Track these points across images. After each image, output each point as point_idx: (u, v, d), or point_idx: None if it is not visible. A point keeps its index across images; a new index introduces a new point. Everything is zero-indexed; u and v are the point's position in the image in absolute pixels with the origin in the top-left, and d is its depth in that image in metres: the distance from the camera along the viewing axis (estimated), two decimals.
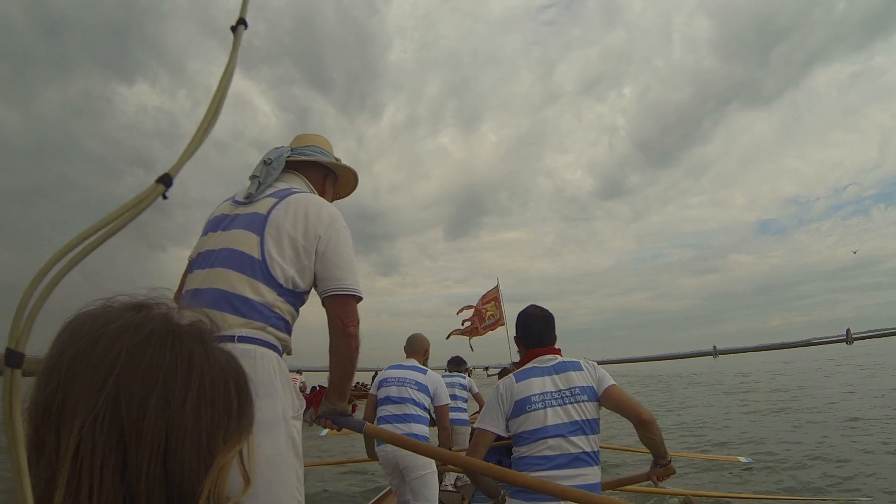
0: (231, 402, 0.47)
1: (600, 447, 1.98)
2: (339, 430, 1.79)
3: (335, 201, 1.86)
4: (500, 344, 10.39)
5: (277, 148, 1.68)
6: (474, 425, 2.51)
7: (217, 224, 1.55)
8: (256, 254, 1.44)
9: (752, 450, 6.51)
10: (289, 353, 1.52)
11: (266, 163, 1.61)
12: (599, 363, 2.09)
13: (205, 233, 1.58)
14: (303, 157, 1.70)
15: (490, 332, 10.45)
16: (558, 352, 2.11)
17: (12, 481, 0.41)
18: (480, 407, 3.37)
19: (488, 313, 10.40)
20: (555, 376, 2.00)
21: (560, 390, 1.96)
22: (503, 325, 10.32)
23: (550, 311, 2.19)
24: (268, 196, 1.55)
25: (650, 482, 2.10)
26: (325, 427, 1.80)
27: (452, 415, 3.90)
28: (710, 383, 20.33)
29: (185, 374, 0.44)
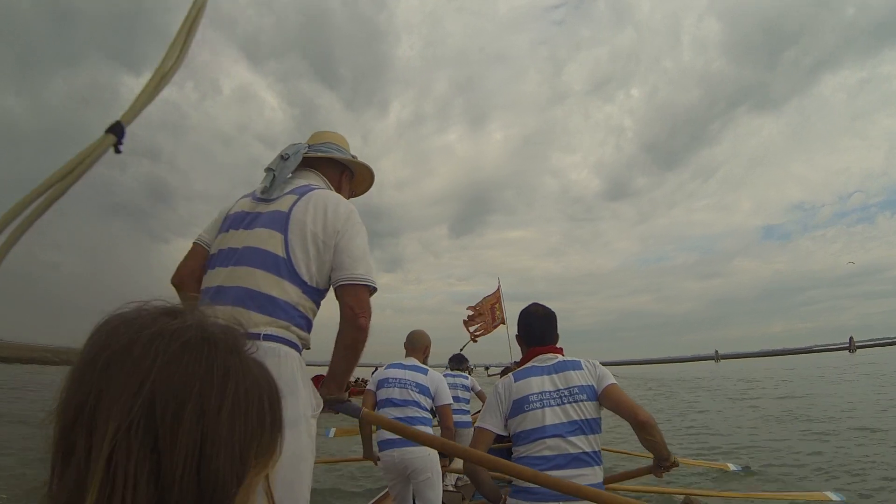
0: (264, 415, 0.47)
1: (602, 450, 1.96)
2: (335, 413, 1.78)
3: (351, 198, 1.87)
4: (501, 343, 10.45)
5: (295, 144, 1.69)
6: (475, 424, 2.49)
7: (239, 221, 1.57)
8: (281, 252, 1.47)
9: (759, 458, 6.43)
10: (307, 349, 1.54)
11: (283, 157, 1.63)
12: (601, 364, 2.05)
13: (225, 229, 1.58)
14: (320, 154, 1.72)
15: (493, 330, 10.46)
16: (560, 351, 2.09)
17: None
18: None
19: (496, 312, 10.41)
20: (554, 376, 1.98)
21: (559, 390, 1.94)
22: (504, 323, 10.33)
23: (553, 310, 2.17)
24: (288, 193, 1.58)
25: (652, 479, 2.08)
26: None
27: (455, 417, 3.81)
28: (714, 388, 20.19)
29: (221, 384, 0.44)
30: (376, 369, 4.08)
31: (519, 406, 1.96)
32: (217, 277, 1.50)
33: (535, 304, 2.21)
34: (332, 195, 1.61)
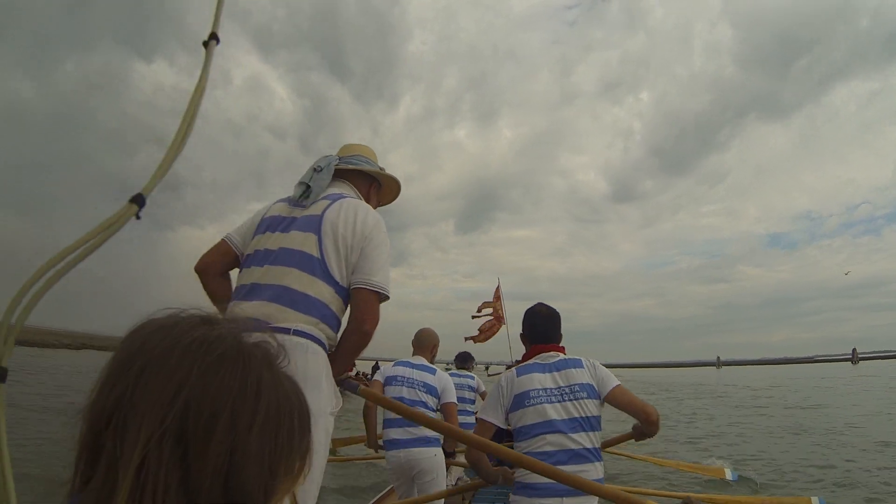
0: (293, 432, 0.48)
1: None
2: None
3: (377, 208, 1.97)
4: (501, 342, 10.48)
5: (326, 156, 1.79)
6: (476, 415, 2.53)
7: (275, 224, 1.66)
8: (315, 252, 1.56)
9: (763, 469, 6.36)
10: (331, 350, 1.62)
11: (316, 170, 1.72)
12: (603, 366, 2.09)
13: (262, 231, 1.67)
14: (350, 166, 1.81)
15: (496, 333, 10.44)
16: (562, 350, 2.12)
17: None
18: None
19: (499, 313, 10.40)
20: (555, 373, 2.01)
21: (560, 387, 1.98)
22: (504, 323, 10.32)
23: (557, 310, 2.20)
24: (321, 199, 1.68)
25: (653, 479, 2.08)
26: None
27: (460, 418, 3.76)
28: (719, 395, 20.10)
29: (254, 399, 0.45)
30: (376, 363, 4.08)
31: (520, 400, 1.99)
32: (252, 275, 1.59)
33: (541, 304, 2.24)
34: (363, 204, 1.71)
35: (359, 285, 1.58)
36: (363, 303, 1.57)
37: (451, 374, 4.20)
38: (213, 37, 1.20)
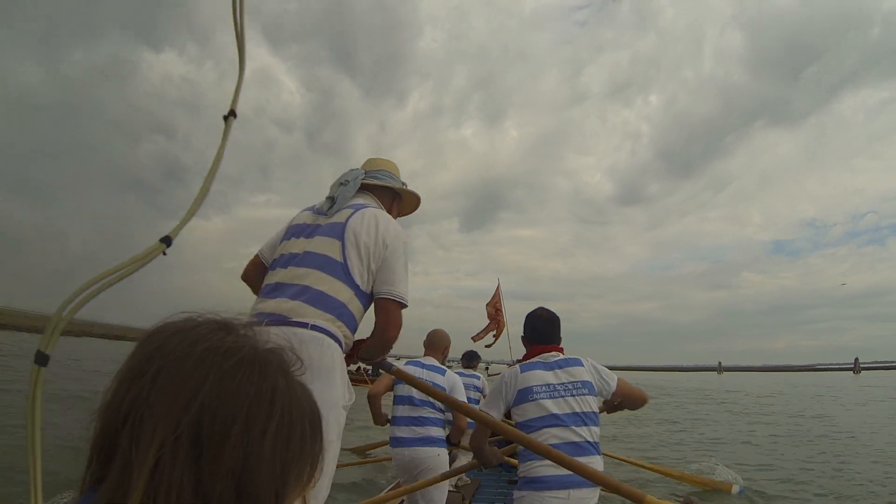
0: (305, 439, 0.48)
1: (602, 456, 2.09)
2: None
3: (397, 218, 2.08)
4: (501, 342, 10.49)
5: (353, 170, 1.88)
6: (479, 407, 2.60)
7: (300, 231, 1.76)
8: (339, 256, 1.64)
9: (770, 481, 6.27)
10: (347, 348, 1.68)
11: (342, 184, 1.81)
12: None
13: (288, 237, 1.78)
14: (375, 181, 1.90)
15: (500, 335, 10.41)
16: (561, 350, 2.25)
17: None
18: None
19: (503, 317, 10.36)
20: (557, 371, 2.13)
21: (562, 383, 2.09)
22: (504, 324, 10.30)
23: (558, 312, 2.34)
24: (345, 208, 1.77)
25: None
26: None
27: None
28: (721, 401, 20.01)
29: (269, 406, 0.45)
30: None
31: (523, 395, 2.10)
32: (276, 276, 1.69)
33: (541, 309, 2.37)
34: (385, 214, 1.80)
35: (383, 295, 1.67)
36: (387, 312, 1.68)
37: (458, 374, 4.17)
38: (232, 113, 1.34)
